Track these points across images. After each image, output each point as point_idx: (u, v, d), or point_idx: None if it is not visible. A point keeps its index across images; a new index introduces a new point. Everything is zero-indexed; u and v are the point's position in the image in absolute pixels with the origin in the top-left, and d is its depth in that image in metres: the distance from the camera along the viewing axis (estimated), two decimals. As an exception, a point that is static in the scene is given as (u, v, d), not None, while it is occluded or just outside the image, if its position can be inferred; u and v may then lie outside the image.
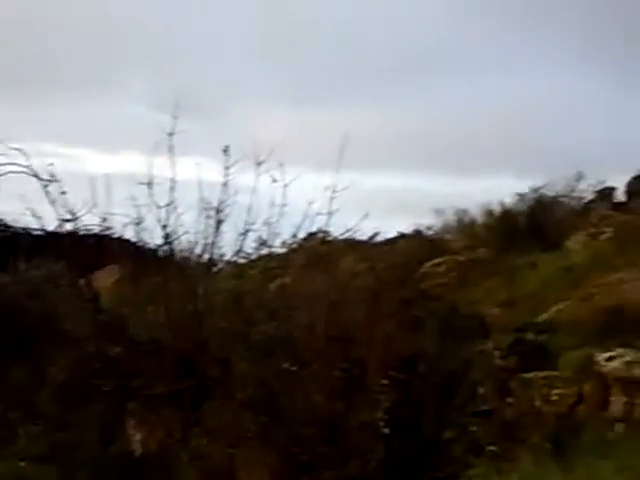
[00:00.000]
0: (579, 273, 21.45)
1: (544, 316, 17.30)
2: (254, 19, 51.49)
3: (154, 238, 11.15)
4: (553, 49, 57.84)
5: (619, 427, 10.76)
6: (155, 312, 10.79)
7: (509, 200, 30.79)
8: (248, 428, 9.24)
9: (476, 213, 32.36)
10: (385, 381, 9.72)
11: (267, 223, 11.02)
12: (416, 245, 29.10)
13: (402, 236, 32.23)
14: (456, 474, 8.89)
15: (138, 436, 10.64)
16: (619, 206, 33.20)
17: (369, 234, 16.50)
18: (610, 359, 11.82)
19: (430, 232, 34.47)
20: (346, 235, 12.19)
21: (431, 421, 10.12)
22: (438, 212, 33.81)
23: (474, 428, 9.84)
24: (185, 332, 10.34)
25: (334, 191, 10.78)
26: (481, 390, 10.92)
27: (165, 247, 11.09)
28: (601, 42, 55.67)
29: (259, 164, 10.73)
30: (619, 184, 37.50)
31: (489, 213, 30.60)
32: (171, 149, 10.71)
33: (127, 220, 10.91)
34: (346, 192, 11.06)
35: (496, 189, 42.21)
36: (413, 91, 56.11)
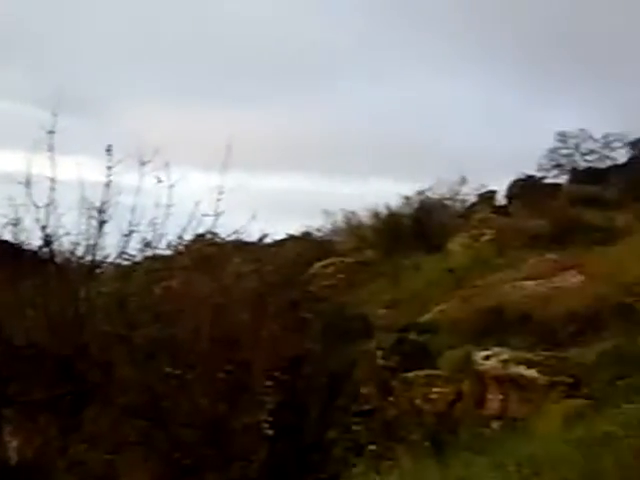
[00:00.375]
0: (460, 274, 22.10)
1: (426, 316, 17.74)
2: (141, 19, 50.75)
3: (33, 239, 10.81)
4: (438, 52, 59.28)
5: (495, 424, 11.12)
6: (34, 315, 10.46)
7: (395, 203, 31.53)
8: (129, 433, 9.09)
9: (364, 215, 32.93)
10: (270, 383, 9.75)
11: (152, 224, 10.84)
12: (304, 247, 29.26)
13: (291, 238, 32.38)
14: (338, 474, 9.01)
15: (14, 443, 10.29)
16: (500, 209, 34.37)
17: (257, 236, 16.47)
18: (487, 358, 12.19)
19: (319, 234, 34.83)
20: (234, 237, 12.14)
21: (315, 422, 10.23)
22: (327, 214, 34.24)
23: (356, 428, 9.99)
24: (65, 336, 10.05)
25: (221, 192, 10.71)
26: (364, 390, 11.11)
27: (45, 248, 10.76)
28: (487, 46, 57.35)
29: (143, 164, 10.56)
30: (500, 188, 38.84)
31: (376, 215, 31.15)
32: (51, 147, 10.40)
33: (4, 221, 10.53)
34: (234, 193, 11.02)
35: (384, 192, 42.96)
36: (301, 94, 56.44)
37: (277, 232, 29.70)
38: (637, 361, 10.74)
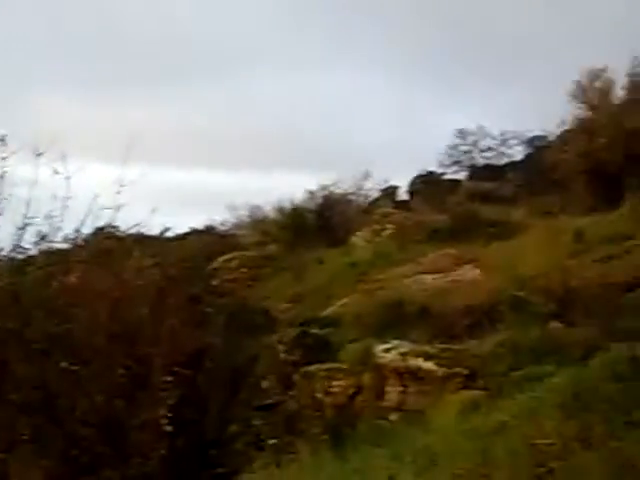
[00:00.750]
0: (363, 268, 22.37)
1: (329, 310, 17.87)
2: (44, 11, 49.29)
3: None
4: (347, 48, 59.71)
5: (394, 416, 11.30)
6: None
7: (300, 197, 31.65)
8: (23, 431, 8.82)
9: (268, 210, 32.95)
10: (170, 378, 9.61)
11: (48, 217, 10.52)
12: (208, 241, 29.08)
13: (194, 232, 32.13)
14: (238, 469, 8.97)
15: None
16: (402, 204, 34.96)
17: (159, 229, 16.23)
18: (387, 351, 12.37)
19: (223, 228, 34.64)
20: (134, 230, 11.93)
21: (216, 417, 10.15)
22: (231, 208, 34.09)
23: (257, 422, 9.97)
24: (-45, 332, 9.66)
25: (122, 185, 10.49)
26: (265, 384, 11.11)
27: None
28: (393, 45, 58.11)
29: (39, 155, 10.24)
30: (402, 183, 39.50)
31: (280, 210, 31.20)
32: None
33: None
34: (136, 186, 10.82)
35: (289, 186, 43.12)
36: (206, 87, 55.93)
37: (180, 226, 29.42)
38: (530, 352, 11.11)
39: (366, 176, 33.27)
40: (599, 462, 6.11)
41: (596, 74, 26.32)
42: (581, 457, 6.27)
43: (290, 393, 11.36)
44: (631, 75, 26.52)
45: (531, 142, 39.96)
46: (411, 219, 27.37)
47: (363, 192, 34.33)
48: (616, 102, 26.65)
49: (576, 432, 6.68)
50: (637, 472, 5.92)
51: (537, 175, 31.14)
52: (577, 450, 6.39)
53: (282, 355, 12.52)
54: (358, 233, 27.24)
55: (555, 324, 12.83)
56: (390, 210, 29.81)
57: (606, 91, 26.50)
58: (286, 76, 55.29)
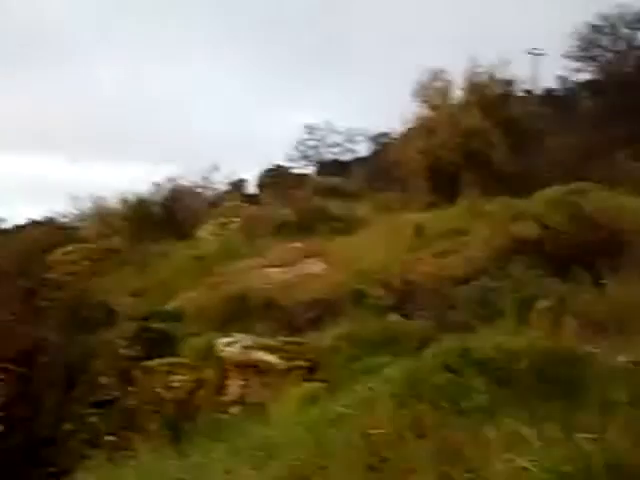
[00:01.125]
0: (209, 262, 22.18)
1: (173, 304, 17.63)
2: None
3: None
4: (197, 39, 59.01)
5: (235, 410, 11.27)
6: None
7: (145, 189, 30.95)
8: None
9: (112, 201, 32.01)
10: (1, 375, 9.25)
11: None
12: (47, 232, 27.99)
13: (32, 223, 30.85)
14: (71, 467, 8.69)
15: None
16: (250, 198, 35.01)
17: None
18: (229, 344, 12.32)
19: (64, 219, 33.37)
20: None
21: (50, 414, 9.83)
22: (73, 199, 32.82)
23: (94, 419, 9.71)
24: None
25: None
26: (104, 380, 10.82)
27: None
28: (247, 39, 57.89)
29: None
30: (251, 177, 39.57)
31: (125, 202, 30.42)
32: None
33: None
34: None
35: (135, 177, 42.20)
36: (46, 76, 53.81)
37: (18, 217, 28.17)
38: (369, 344, 11.37)
39: (214, 169, 33.03)
40: (430, 449, 6.31)
41: (435, 74, 27.31)
42: (413, 445, 6.47)
43: (129, 389, 11.11)
44: (468, 76, 27.67)
45: (376, 139, 41.01)
46: (258, 213, 27.44)
47: (211, 185, 34.08)
48: (454, 102, 27.73)
49: (409, 421, 6.88)
50: (463, 457, 6.16)
51: (381, 171, 31.98)
52: (409, 439, 6.58)
53: (122, 350, 12.21)
54: (205, 226, 27.04)
55: (394, 316, 13.21)
56: (237, 203, 29.79)
57: (445, 91, 27.54)
58: (136, 67, 54.13)
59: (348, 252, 18.91)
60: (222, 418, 10.50)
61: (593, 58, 35.69)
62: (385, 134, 37.97)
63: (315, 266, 19.12)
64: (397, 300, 14.23)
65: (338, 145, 42.00)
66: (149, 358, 12.42)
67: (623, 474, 5.46)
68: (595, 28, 35.32)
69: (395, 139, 32.29)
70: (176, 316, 15.91)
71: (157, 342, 13.13)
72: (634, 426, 5.96)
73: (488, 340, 8.75)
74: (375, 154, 38.69)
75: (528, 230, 16.64)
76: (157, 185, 30.83)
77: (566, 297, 11.44)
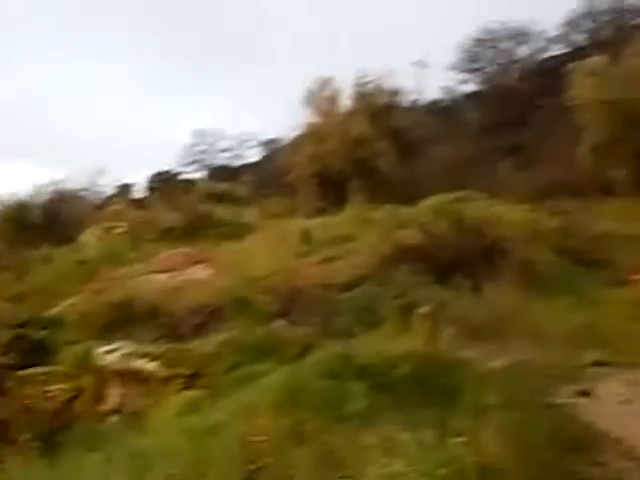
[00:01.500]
0: (93, 267, 21.58)
1: (53, 311, 17.04)
2: None
3: None
4: (89, 41, 57.60)
5: (114, 419, 10.95)
6: None
7: (25, 192, 29.89)
8: None
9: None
10: None
11: None
12: None
13: None
14: None
15: None
16: (136, 202, 34.32)
17: None
18: (110, 352, 11.98)
19: None
20: None
21: None
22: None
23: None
24: None
25: None
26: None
27: None
28: (138, 43, 56.96)
29: None
30: (138, 181, 38.88)
31: (2, 204, 29.34)
32: None
33: None
34: None
35: (14, 179, 40.81)
36: None
37: None
38: (252, 351, 11.27)
39: (100, 172, 32.26)
40: (309, 456, 6.29)
41: (324, 82, 27.59)
42: (293, 452, 6.43)
43: (1, 399, 10.64)
44: (356, 85, 28.08)
45: (267, 145, 41.01)
46: (145, 217, 26.95)
47: (97, 188, 33.28)
48: (343, 110, 28.08)
49: (289, 428, 6.84)
50: (342, 463, 6.17)
51: (271, 177, 32.01)
52: (289, 446, 6.54)
53: (-5, 359, 11.70)
54: (89, 230, 26.37)
55: (279, 323, 13.17)
56: (123, 208, 29.17)
57: (333, 99, 27.84)
58: (30, 66, 52.47)
59: (235, 258, 18.77)
60: (99, 428, 10.19)
61: (477, 70, 36.81)
62: (276, 140, 38.03)
63: (202, 272, 18.89)
64: (283, 306, 14.20)
65: (228, 150, 41.80)
66: (24, 367, 11.94)
67: (494, 475, 5.59)
68: (479, 42, 36.43)
69: (285, 145, 32.40)
70: (56, 323, 15.37)
71: (34, 350, 12.65)
72: (505, 429, 6.11)
73: (369, 346, 8.84)
74: (265, 160, 38.69)
75: (413, 237, 16.95)
76: (39, 187, 29.90)
77: (446, 303, 11.67)
